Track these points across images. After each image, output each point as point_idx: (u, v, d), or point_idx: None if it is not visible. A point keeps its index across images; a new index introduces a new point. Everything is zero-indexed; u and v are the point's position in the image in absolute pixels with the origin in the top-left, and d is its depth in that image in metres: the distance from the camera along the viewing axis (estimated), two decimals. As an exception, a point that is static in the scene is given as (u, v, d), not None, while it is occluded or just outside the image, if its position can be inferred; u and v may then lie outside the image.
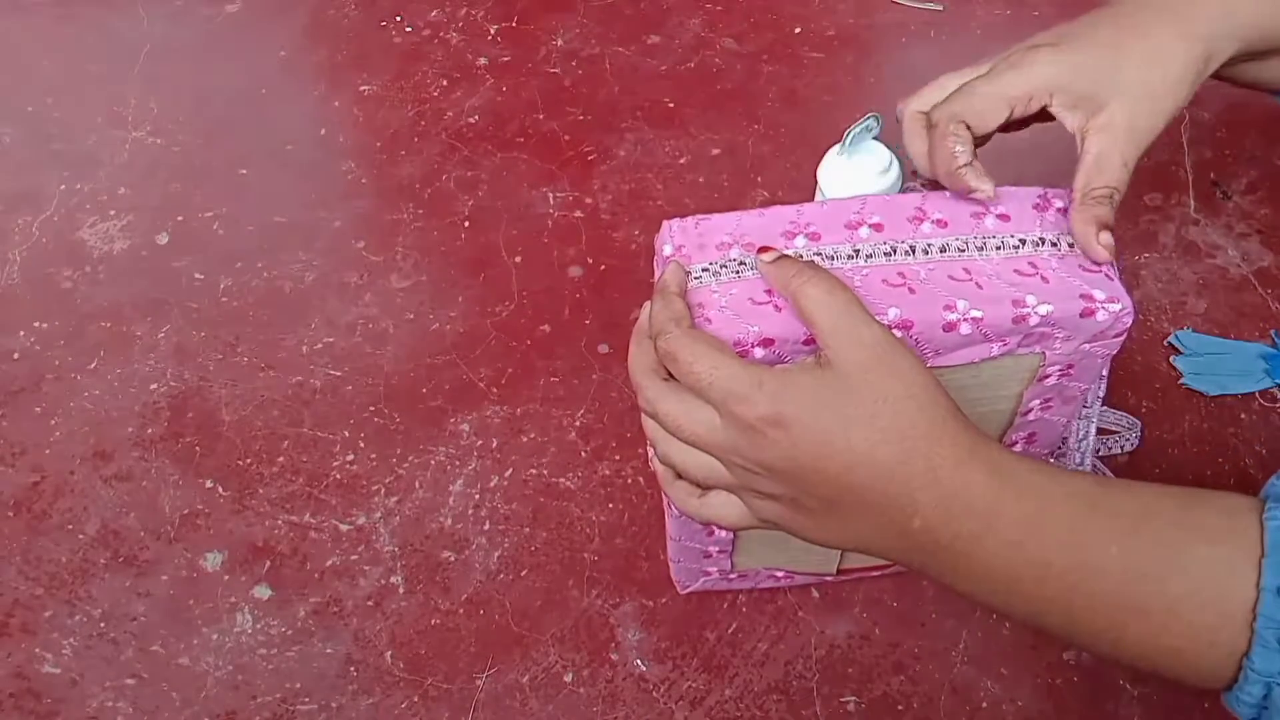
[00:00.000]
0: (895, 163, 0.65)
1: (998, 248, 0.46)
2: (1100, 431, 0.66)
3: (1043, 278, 0.45)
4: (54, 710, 0.60)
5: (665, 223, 0.47)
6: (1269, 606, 0.37)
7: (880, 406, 0.39)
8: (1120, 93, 0.49)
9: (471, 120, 0.89)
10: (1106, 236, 0.46)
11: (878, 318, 0.42)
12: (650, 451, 0.48)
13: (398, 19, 0.97)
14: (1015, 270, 0.45)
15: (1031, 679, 0.59)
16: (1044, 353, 0.46)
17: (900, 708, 0.59)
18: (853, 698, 0.59)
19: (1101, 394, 0.54)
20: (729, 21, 0.96)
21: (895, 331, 0.43)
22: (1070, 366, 0.48)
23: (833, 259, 0.45)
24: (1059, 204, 0.48)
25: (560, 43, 0.95)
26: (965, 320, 0.43)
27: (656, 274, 0.48)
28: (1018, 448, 0.54)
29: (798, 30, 0.95)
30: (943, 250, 0.45)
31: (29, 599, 0.64)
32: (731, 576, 0.60)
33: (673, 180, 0.84)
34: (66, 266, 0.80)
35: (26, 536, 0.66)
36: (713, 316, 0.44)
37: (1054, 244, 0.46)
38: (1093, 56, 0.49)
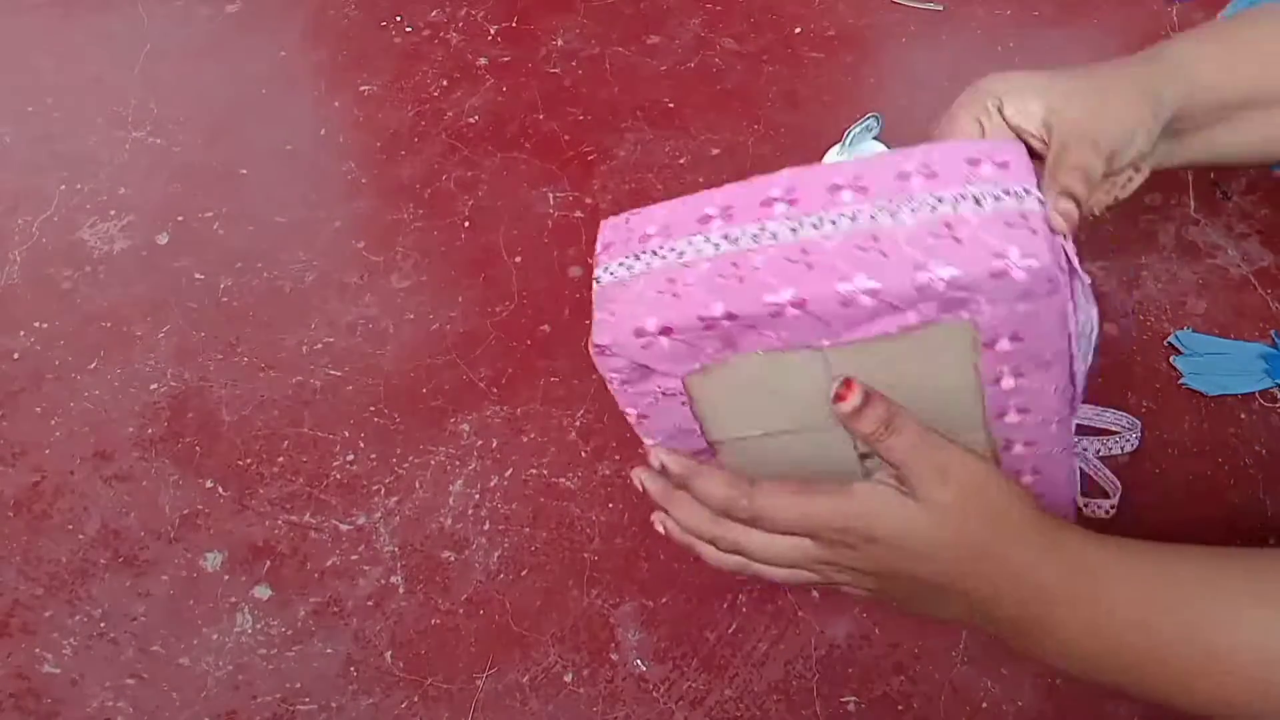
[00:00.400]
0: (895, 163, 0.65)
1: (913, 210, 0.43)
2: (1100, 431, 0.66)
3: (955, 239, 0.42)
4: (54, 710, 0.60)
5: (603, 222, 0.48)
6: None
7: (964, 535, 0.44)
8: (1075, 100, 0.50)
9: (471, 120, 0.89)
10: (1065, 204, 0.44)
11: (772, 295, 0.42)
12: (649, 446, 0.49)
13: (398, 19, 0.97)
14: (930, 234, 0.42)
15: (1031, 679, 0.59)
16: (973, 319, 0.43)
17: (900, 708, 0.59)
18: (853, 698, 0.59)
19: (1081, 351, 0.50)
20: (729, 21, 0.96)
21: (790, 310, 0.42)
22: (1017, 331, 0.44)
23: (738, 241, 0.45)
24: (999, 158, 0.44)
25: (560, 43, 0.95)
26: (862, 293, 0.42)
27: (595, 269, 0.47)
28: (1012, 417, 0.51)
29: (798, 30, 0.95)
30: (853, 219, 0.44)
31: (29, 599, 0.64)
32: None
33: (673, 180, 0.84)
34: (66, 266, 0.80)
35: (26, 536, 0.66)
36: (616, 310, 0.44)
37: (977, 200, 0.43)
38: (1055, 77, 0.51)
